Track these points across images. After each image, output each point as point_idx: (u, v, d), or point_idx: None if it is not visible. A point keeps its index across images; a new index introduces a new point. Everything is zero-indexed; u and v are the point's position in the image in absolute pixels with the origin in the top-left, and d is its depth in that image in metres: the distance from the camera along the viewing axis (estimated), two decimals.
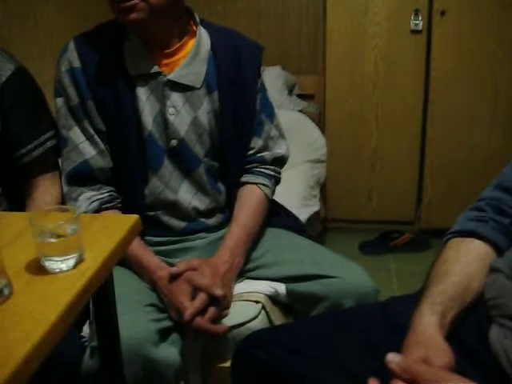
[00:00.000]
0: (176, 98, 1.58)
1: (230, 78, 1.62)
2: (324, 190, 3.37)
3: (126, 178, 1.61)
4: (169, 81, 1.57)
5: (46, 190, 1.64)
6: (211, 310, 1.47)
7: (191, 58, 1.59)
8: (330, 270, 1.60)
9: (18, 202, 1.65)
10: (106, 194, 1.60)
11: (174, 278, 1.50)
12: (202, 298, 1.46)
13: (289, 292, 1.64)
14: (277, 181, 1.80)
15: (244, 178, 1.72)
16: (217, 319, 1.50)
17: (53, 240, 0.94)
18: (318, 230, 2.99)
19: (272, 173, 1.76)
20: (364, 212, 3.60)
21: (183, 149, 1.60)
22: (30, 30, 2.87)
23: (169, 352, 1.41)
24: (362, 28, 3.28)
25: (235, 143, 1.68)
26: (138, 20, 1.46)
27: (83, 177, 1.59)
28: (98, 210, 1.57)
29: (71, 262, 0.94)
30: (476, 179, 3.28)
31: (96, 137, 1.58)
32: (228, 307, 1.54)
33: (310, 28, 3.81)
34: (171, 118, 1.58)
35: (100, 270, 0.95)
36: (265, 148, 1.74)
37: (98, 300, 1.13)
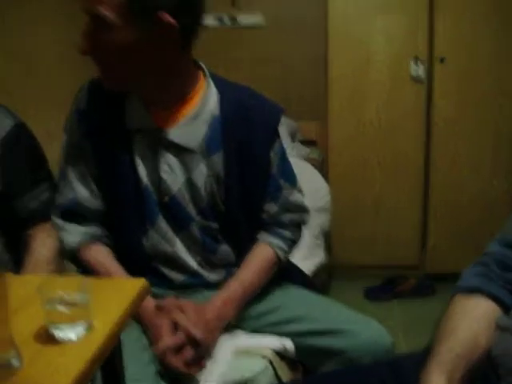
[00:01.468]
0: (170, 156, 1.56)
1: (238, 140, 1.58)
2: (328, 236, 3.36)
3: (126, 228, 1.62)
4: (164, 139, 1.55)
5: (43, 242, 1.69)
6: (188, 351, 1.44)
7: (191, 118, 1.55)
8: (346, 324, 1.58)
9: (21, 253, 1.67)
10: (95, 229, 1.62)
11: (158, 310, 1.50)
12: (179, 336, 1.45)
13: (303, 347, 1.61)
14: (294, 242, 1.74)
15: (259, 236, 1.68)
16: (192, 364, 1.45)
17: (62, 308, 0.94)
18: (322, 278, 2.97)
19: (289, 235, 1.70)
20: (368, 257, 3.59)
21: (175, 205, 1.59)
22: (33, 78, 2.91)
23: None
24: (364, 75, 3.33)
25: (244, 207, 1.63)
26: (112, 89, 1.52)
27: (73, 213, 1.61)
28: (84, 244, 1.59)
29: (80, 331, 0.95)
30: (480, 223, 3.29)
31: (89, 178, 1.60)
32: (206, 356, 1.49)
33: (312, 75, 3.85)
34: (164, 176, 1.56)
35: (109, 338, 0.95)
36: (281, 213, 1.68)
37: (105, 364, 1.13)
